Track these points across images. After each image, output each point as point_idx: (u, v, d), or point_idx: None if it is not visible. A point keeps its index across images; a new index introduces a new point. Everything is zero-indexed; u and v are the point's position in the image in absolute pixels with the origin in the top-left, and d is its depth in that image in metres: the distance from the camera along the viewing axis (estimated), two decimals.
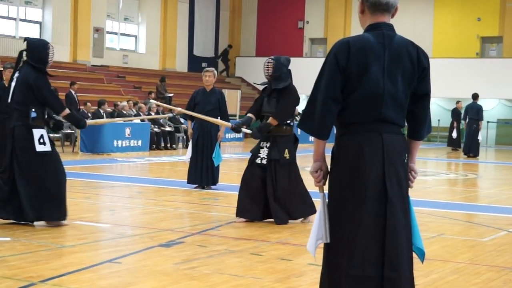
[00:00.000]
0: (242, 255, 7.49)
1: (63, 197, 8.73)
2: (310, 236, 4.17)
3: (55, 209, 8.66)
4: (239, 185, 9.68)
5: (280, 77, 9.49)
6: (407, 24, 34.68)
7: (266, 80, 9.70)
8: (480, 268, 7.22)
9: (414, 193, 4.31)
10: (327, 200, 4.15)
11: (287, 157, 9.41)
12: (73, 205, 10.76)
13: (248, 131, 9.93)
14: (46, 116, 8.89)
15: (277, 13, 41.28)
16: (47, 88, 8.69)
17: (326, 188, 4.20)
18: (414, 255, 4.17)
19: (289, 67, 9.65)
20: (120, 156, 20.75)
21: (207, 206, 11.24)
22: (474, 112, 26.57)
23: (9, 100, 8.82)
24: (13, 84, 8.80)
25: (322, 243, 4.13)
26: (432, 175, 18.26)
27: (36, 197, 8.54)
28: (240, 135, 31.28)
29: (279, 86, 9.47)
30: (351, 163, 4.04)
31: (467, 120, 26.71)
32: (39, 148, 8.58)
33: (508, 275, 6.94)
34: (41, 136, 8.63)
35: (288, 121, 9.54)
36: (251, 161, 9.63)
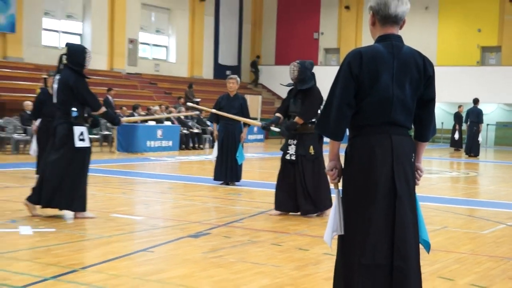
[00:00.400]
0: (264, 245, 7.50)
1: (85, 190, 8.80)
2: (326, 228, 4.18)
3: (81, 200, 8.72)
4: (272, 182, 9.73)
5: (304, 79, 9.52)
6: (414, 35, 34.43)
7: (291, 82, 9.73)
8: (481, 258, 7.19)
9: (420, 190, 4.31)
10: (341, 196, 4.17)
11: (312, 153, 9.43)
12: (110, 199, 10.85)
13: (277, 129, 9.96)
14: (86, 115, 8.95)
15: (294, 25, 41.29)
16: (85, 89, 8.74)
17: (340, 185, 4.22)
18: (421, 246, 4.17)
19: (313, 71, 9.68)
20: (153, 155, 20.82)
21: (232, 201, 11.26)
22: (475, 115, 26.60)
23: (54, 101, 8.90)
24: (55, 86, 8.87)
25: (337, 234, 4.15)
26: (436, 173, 18.16)
27: (62, 188, 8.57)
28: (261, 136, 31.31)
29: (304, 87, 9.50)
30: (364, 164, 4.04)
31: (468, 123, 26.72)
32: (78, 143, 8.63)
33: (507, 265, 6.91)
34: (81, 133, 8.69)
35: (313, 120, 9.53)
36: (283, 158, 9.67)
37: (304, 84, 9.51)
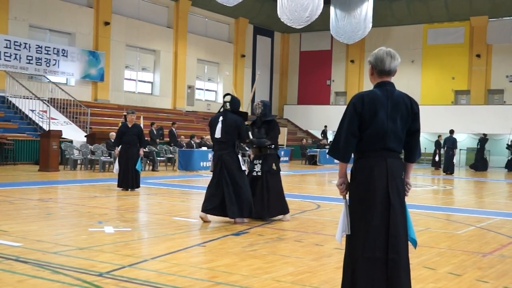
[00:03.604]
0: (289, 241, 7.45)
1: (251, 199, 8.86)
2: (337, 229, 4.14)
3: (251, 207, 8.82)
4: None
5: (266, 114, 9.53)
6: (403, 82, 34.52)
7: (255, 116, 9.67)
8: (456, 252, 7.06)
9: (408, 199, 4.25)
10: (348, 204, 4.12)
11: (275, 169, 9.34)
12: (173, 206, 10.86)
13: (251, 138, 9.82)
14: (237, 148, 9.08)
15: (312, 74, 41.37)
16: (244, 128, 9.00)
17: (347, 196, 4.17)
18: (409, 243, 4.10)
19: (271, 107, 9.70)
20: (205, 173, 20.82)
21: None
22: (451, 142, 26.59)
23: (218, 136, 8.90)
24: (219, 125, 8.90)
25: (345, 234, 4.10)
26: (421, 187, 17.96)
27: (238, 200, 8.69)
28: (287, 158, 31.21)
29: (267, 119, 9.48)
30: (366, 180, 3.99)
31: (445, 148, 26.70)
32: (243, 167, 8.85)
33: (476, 258, 6.78)
34: (242, 160, 8.93)
35: (272, 145, 9.38)
36: (249, 174, 9.37)
37: (267, 117, 9.50)
